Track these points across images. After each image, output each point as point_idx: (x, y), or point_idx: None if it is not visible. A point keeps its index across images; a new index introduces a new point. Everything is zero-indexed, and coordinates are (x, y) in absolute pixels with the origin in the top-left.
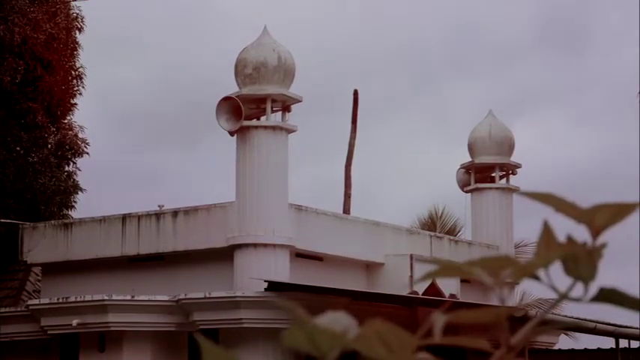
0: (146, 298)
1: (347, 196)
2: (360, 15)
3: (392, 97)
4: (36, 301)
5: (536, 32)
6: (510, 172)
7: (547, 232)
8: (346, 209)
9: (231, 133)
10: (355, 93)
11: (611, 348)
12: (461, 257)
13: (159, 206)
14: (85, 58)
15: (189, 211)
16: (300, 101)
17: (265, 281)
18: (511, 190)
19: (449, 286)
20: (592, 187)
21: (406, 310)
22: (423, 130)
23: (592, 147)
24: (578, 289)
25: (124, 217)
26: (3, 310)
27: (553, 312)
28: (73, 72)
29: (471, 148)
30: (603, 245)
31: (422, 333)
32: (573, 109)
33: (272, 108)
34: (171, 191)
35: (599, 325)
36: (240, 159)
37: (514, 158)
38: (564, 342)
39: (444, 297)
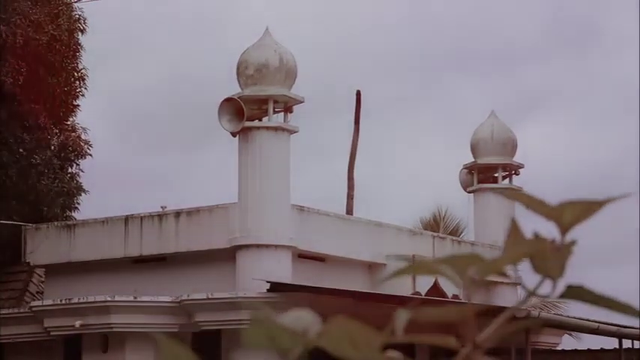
0: (149, 299)
1: (349, 196)
2: (364, 15)
3: (395, 97)
4: (39, 303)
5: (542, 34)
6: (513, 172)
7: (514, 229)
8: (349, 210)
9: (234, 134)
10: (358, 94)
11: (615, 348)
12: None
13: (161, 207)
14: (87, 60)
15: (191, 212)
16: (302, 102)
17: (267, 282)
18: (514, 190)
19: (452, 287)
20: (597, 188)
21: None
22: (426, 130)
23: (597, 148)
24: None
25: (127, 219)
26: (6, 311)
27: (555, 313)
28: (75, 73)
29: (474, 149)
30: (573, 242)
31: (388, 330)
32: (579, 111)
33: (274, 109)
34: (174, 193)
35: (601, 326)
36: (242, 160)
37: (519, 159)
38: (567, 342)
39: (447, 298)
